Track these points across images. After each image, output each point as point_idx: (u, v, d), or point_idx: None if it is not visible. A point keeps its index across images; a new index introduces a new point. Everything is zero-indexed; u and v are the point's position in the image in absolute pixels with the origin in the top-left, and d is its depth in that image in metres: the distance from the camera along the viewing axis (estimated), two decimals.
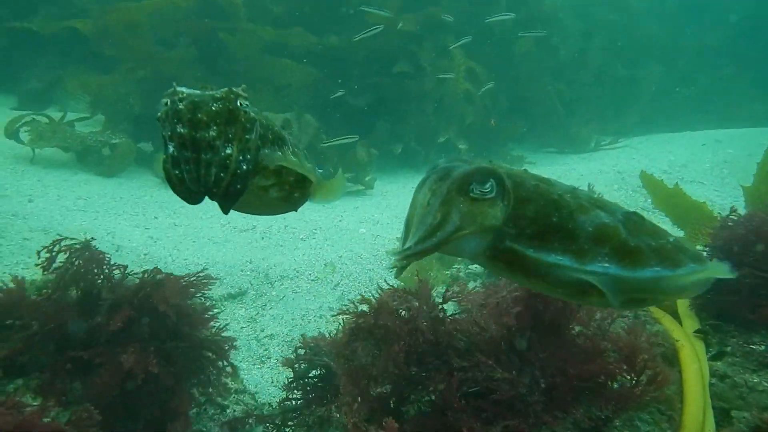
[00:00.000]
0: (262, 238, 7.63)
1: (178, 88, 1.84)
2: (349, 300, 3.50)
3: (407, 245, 1.49)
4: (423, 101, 10.90)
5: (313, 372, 3.51)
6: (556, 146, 12.10)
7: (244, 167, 1.87)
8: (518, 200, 1.50)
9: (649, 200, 8.98)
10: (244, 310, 6.07)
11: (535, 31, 11.38)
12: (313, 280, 6.38)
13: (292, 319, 5.85)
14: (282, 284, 6.37)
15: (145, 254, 7.19)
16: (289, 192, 2.16)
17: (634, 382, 2.20)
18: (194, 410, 3.92)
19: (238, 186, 1.87)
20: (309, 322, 5.77)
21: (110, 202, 8.86)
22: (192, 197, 1.88)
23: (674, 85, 15.15)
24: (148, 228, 7.98)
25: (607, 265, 1.47)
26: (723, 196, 8.54)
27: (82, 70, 11.03)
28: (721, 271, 1.57)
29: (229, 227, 8.12)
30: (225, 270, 6.66)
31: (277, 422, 3.38)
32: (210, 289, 3.92)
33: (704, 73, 15.87)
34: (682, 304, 4.22)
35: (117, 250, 7.26)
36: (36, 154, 9.60)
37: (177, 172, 1.84)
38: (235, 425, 3.73)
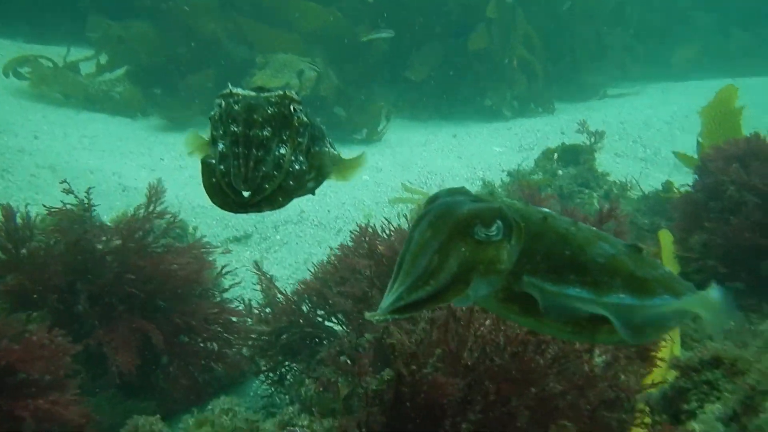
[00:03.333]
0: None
1: (234, 89, 1.88)
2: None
3: (394, 293, 1.35)
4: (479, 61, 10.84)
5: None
6: (576, 96, 12.05)
7: (297, 167, 1.92)
8: (530, 235, 1.42)
9: (648, 150, 9.08)
10: (249, 252, 6.27)
11: None
12: (316, 226, 6.56)
13: (296, 263, 6.06)
14: (286, 229, 6.55)
15: None
16: (320, 181, 2.21)
17: None
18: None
19: (291, 183, 1.91)
20: (312, 267, 5.98)
21: (116, 142, 8.95)
22: (233, 194, 1.87)
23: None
24: (155, 170, 8.11)
25: (622, 295, 1.45)
26: None
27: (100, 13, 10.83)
28: (717, 296, 1.56)
29: None
30: (230, 213, 6.83)
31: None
32: None
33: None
34: (667, 249, 4.42)
35: (123, 191, 7.43)
36: (40, 91, 9.64)
37: (222, 167, 1.85)
38: None
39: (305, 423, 2.33)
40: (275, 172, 1.85)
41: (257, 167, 1.82)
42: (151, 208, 3.87)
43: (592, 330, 1.47)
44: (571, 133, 8.45)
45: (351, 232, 3.86)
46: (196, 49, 10.13)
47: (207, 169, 1.92)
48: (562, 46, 12.29)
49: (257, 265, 4.48)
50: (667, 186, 6.19)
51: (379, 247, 3.34)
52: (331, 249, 4.09)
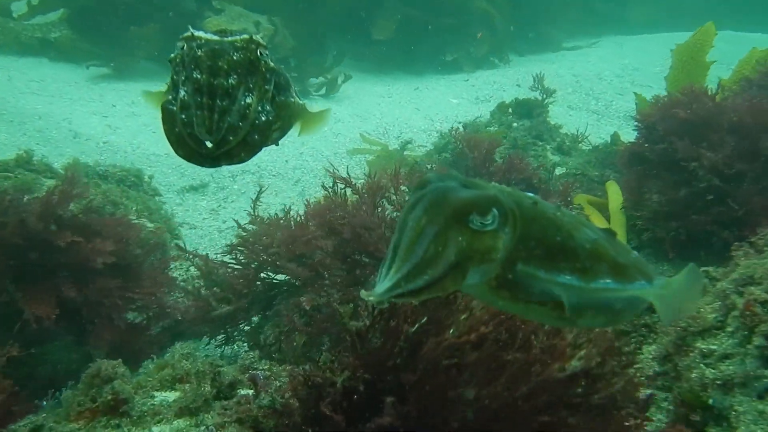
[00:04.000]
0: None
1: (196, 32, 1.77)
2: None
3: (391, 278, 1.33)
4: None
5: None
6: (533, 48, 12.11)
7: (263, 118, 1.84)
8: (524, 221, 1.40)
9: (600, 103, 9.28)
10: (205, 202, 6.25)
11: None
12: (274, 176, 6.56)
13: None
14: (244, 179, 6.53)
15: (104, 142, 7.20)
16: (285, 131, 2.11)
17: None
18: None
19: (256, 137, 1.84)
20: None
21: (64, 87, 8.66)
22: (196, 145, 1.79)
23: None
24: (107, 116, 7.91)
25: (608, 281, 1.47)
26: None
27: None
28: (690, 279, 1.63)
29: None
30: (186, 161, 6.75)
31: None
32: None
33: None
34: (614, 200, 4.59)
35: (75, 137, 7.25)
36: None
37: (184, 116, 1.76)
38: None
39: (265, 367, 2.41)
40: (240, 123, 1.77)
41: (222, 118, 1.74)
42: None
43: (579, 314, 1.46)
44: (526, 86, 8.57)
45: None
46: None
47: (168, 117, 1.81)
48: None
49: None
50: (615, 138, 6.36)
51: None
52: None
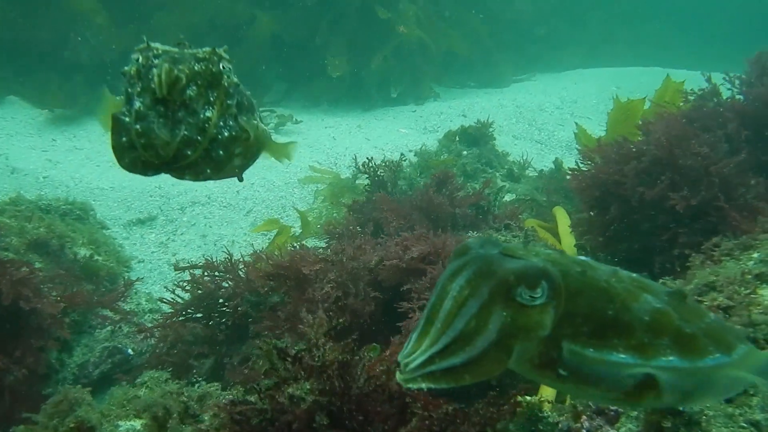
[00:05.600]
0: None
1: (152, 44, 1.72)
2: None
3: (423, 352, 1.22)
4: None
5: None
6: (476, 82, 12.41)
7: (226, 134, 1.78)
8: (569, 294, 1.27)
9: (543, 134, 9.57)
10: (154, 235, 6.07)
11: None
12: (225, 207, 6.44)
13: (205, 245, 5.93)
14: (193, 210, 6.38)
15: (44, 177, 6.94)
16: (248, 160, 2.04)
17: None
18: (108, 329, 4.03)
19: (221, 152, 1.77)
20: (221, 249, 5.88)
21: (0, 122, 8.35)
22: (148, 156, 1.71)
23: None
24: (46, 150, 7.64)
25: (671, 358, 1.29)
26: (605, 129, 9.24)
27: None
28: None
29: None
30: (133, 195, 6.57)
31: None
32: None
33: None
34: (563, 223, 4.68)
35: (12, 173, 6.97)
36: None
37: (139, 126, 1.68)
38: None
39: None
40: (198, 137, 1.70)
41: (176, 128, 1.66)
42: None
43: (639, 395, 1.31)
44: (472, 117, 8.76)
45: None
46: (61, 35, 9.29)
47: (118, 126, 1.72)
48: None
49: None
50: (558, 164, 6.56)
51: None
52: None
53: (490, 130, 7.22)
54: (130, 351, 4.03)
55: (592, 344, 1.27)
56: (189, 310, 3.57)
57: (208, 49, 1.76)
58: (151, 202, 6.48)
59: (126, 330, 4.12)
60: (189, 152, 1.71)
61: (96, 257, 4.44)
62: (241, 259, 3.68)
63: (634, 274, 1.43)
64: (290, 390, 1.64)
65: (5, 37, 9.13)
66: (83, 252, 4.45)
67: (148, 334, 3.72)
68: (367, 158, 5.21)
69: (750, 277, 2.29)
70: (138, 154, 1.73)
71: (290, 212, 6.31)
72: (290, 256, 3.13)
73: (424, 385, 1.21)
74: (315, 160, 7.55)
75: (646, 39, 16.31)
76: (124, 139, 1.73)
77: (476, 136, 7.11)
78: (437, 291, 1.28)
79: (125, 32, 9.00)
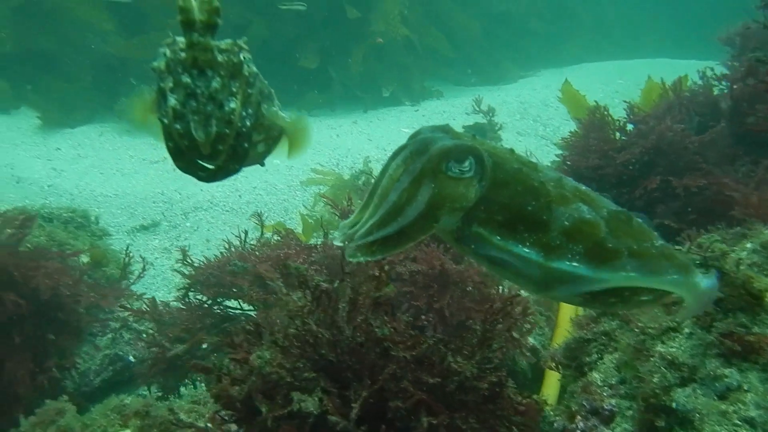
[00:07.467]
0: (174, 169, 7.49)
1: (178, 38, 1.72)
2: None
3: (364, 224, 1.34)
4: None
5: None
6: (479, 79, 12.37)
7: (248, 123, 1.79)
8: (494, 183, 1.36)
9: (548, 129, 9.51)
10: (157, 241, 6.09)
11: None
12: (227, 211, 6.46)
13: (208, 250, 5.94)
14: (196, 215, 6.40)
15: (49, 186, 6.99)
16: (271, 147, 2.07)
17: None
18: (109, 336, 4.05)
19: (245, 144, 1.79)
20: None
21: (5, 133, 8.43)
22: (192, 153, 1.74)
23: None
24: (51, 159, 7.70)
25: (576, 264, 1.38)
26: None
27: None
28: (706, 285, 1.50)
29: (137, 158, 7.95)
30: (136, 201, 6.61)
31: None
32: None
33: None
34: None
35: (18, 182, 7.03)
36: None
37: (179, 126, 1.70)
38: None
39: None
40: (226, 130, 1.72)
41: (208, 125, 1.69)
42: None
43: (546, 287, 1.42)
44: (473, 113, 8.73)
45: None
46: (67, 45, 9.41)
47: (164, 130, 1.76)
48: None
49: None
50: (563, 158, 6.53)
51: None
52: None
53: (497, 129, 7.19)
54: (131, 358, 4.05)
55: (500, 233, 1.37)
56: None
57: (229, 41, 1.77)
58: (154, 208, 6.51)
59: (127, 337, 4.14)
60: (220, 147, 1.73)
61: (97, 263, 4.47)
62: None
63: (584, 187, 1.50)
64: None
65: (18, 48, 9.28)
66: (84, 259, 4.47)
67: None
68: (366, 157, 5.21)
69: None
70: (189, 158, 1.78)
71: (293, 215, 6.32)
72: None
73: (362, 259, 1.33)
74: (317, 162, 7.55)
75: (647, 29, 16.19)
76: (170, 144, 1.76)
77: (482, 131, 7.08)
78: (381, 170, 1.39)
79: (130, 40, 9.08)
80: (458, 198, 1.34)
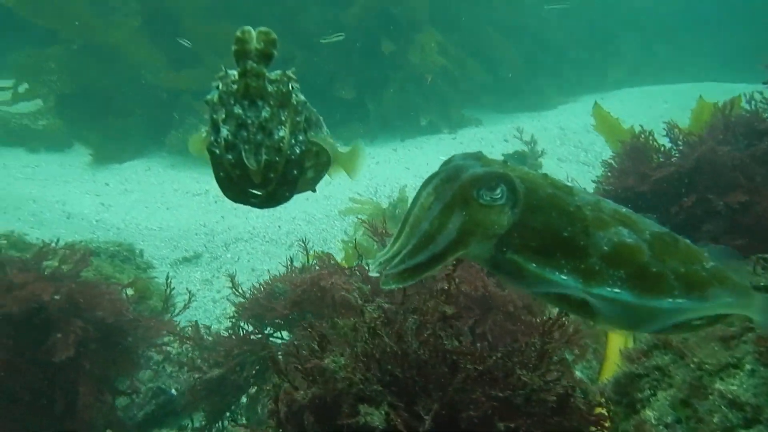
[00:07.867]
0: (215, 201, 7.67)
1: (230, 71, 1.78)
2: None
3: (398, 255, 1.34)
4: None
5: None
6: (519, 106, 12.33)
7: (297, 150, 1.82)
8: (528, 209, 1.34)
9: (590, 155, 9.37)
10: (199, 272, 6.17)
11: None
12: (267, 242, 6.51)
13: (248, 280, 5.97)
14: (237, 246, 6.48)
15: (97, 221, 7.18)
16: (321, 172, 2.09)
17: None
18: (153, 369, 4.07)
19: (295, 172, 1.82)
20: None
21: (58, 170, 8.73)
22: (243, 182, 1.77)
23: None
24: (99, 195, 7.92)
25: (618, 290, 1.33)
26: None
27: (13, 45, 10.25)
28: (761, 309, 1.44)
29: (181, 192, 8.12)
30: (179, 234, 6.72)
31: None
32: None
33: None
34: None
35: (68, 218, 7.23)
36: None
37: (231, 157, 1.73)
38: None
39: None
40: (277, 158, 1.74)
41: (258, 153, 1.72)
42: None
43: (590, 313, 1.36)
44: (512, 140, 8.67)
45: None
46: (121, 83, 9.79)
47: (214, 160, 1.79)
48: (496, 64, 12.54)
49: None
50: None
51: None
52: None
53: (538, 156, 7.12)
54: (173, 391, 4.06)
55: (536, 260, 1.34)
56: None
57: (279, 72, 1.81)
58: (196, 240, 6.61)
59: (169, 370, 4.16)
60: (271, 174, 1.76)
61: (142, 296, 4.53)
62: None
63: (624, 209, 1.45)
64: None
65: (77, 87, 9.69)
66: (129, 292, 4.54)
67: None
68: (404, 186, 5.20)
69: None
70: (239, 187, 1.80)
71: (332, 244, 6.33)
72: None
73: (394, 286, 1.33)
74: (355, 191, 7.57)
75: (691, 53, 15.91)
76: (221, 174, 1.79)
77: (523, 158, 7.02)
78: (413, 199, 1.41)
79: (179, 74, 9.38)
80: (490, 225, 1.34)
